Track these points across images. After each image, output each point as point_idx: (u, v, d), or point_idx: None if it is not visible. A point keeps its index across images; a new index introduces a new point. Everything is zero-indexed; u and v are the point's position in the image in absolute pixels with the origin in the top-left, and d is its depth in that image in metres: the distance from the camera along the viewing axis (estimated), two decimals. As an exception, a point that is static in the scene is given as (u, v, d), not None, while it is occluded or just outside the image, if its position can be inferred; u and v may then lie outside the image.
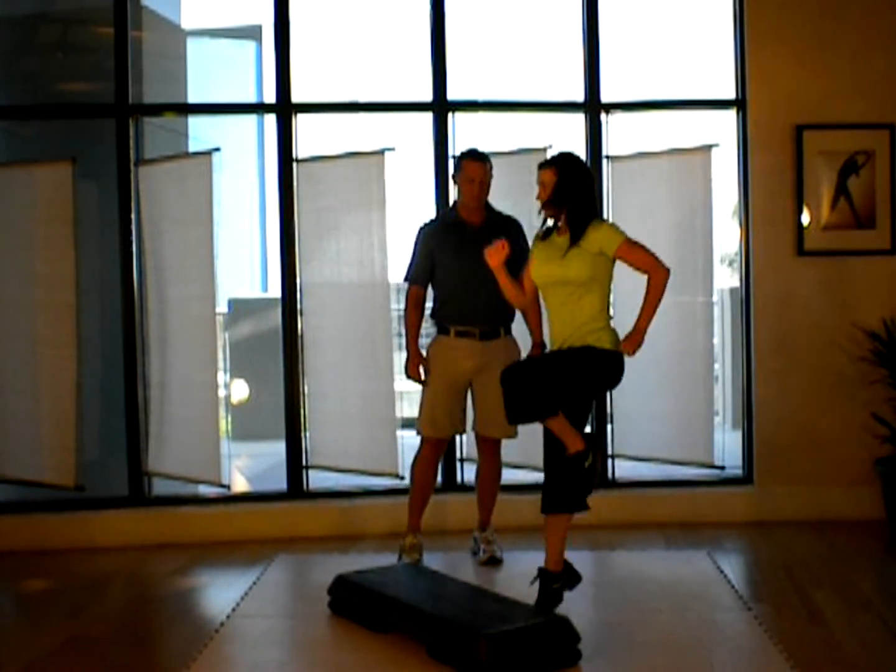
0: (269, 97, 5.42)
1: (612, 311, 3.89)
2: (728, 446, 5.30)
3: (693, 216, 5.18)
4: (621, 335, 3.71)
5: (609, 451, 5.32)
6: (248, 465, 6.99)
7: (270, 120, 5.37)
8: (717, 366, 6.73)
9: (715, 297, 5.56)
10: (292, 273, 5.27)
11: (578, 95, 5.34)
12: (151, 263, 5.27)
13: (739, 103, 5.30)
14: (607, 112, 5.30)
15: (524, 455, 5.12)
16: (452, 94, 5.28)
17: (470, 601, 3.63)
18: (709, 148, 5.15)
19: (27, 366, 5.12)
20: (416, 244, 4.53)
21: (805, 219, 5.22)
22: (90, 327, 5.34)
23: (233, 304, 8.77)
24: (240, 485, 6.23)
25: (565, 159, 3.80)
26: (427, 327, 4.63)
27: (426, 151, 5.29)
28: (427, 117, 5.30)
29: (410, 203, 5.71)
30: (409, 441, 5.29)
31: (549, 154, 5.12)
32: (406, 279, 4.55)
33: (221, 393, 5.92)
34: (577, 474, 3.62)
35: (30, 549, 4.99)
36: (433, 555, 4.55)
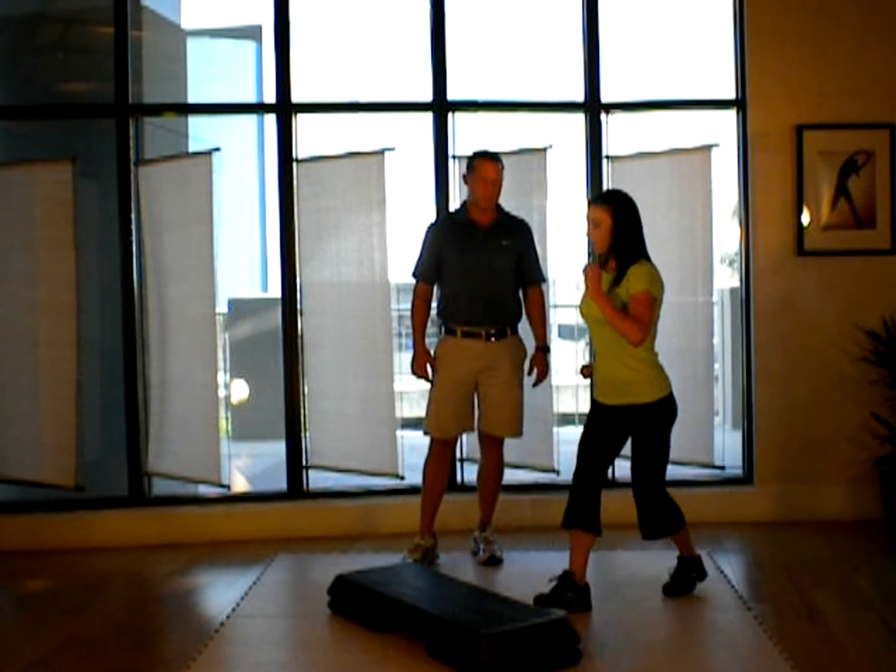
0: (269, 97, 5.42)
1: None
2: (728, 446, 5.30)
3: (693, 216, 5.18)
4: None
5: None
6: (248, 465, 6.99)
7: (270, 120, 5.37)
8: (717, 366, 6.73)
9: (715, 297, 5.57)
10: (292, 273, 5.27)
11: (578, 95, 5.33)
12: (151, 263, 5.27)
13: (739, 103, 5.30)
14: (607, 112, 5.30)
15: (524, 455, 5.12)
16: (452, 94, 5.28)
17: (470, 601, 3.63)
18: (709, 148, 5.15)
19: (27, 366, 5.12)
20: (424, 241, 4.52)
21: (805, 219, 5.21)
22: (90, 327, 5.33)
23: (233, 304, 8.77)
24: (240, 485, 6.23)
25: (620, 201, 3.87)
26: (430, 328, 4.63)
27: (426, 151, 5.29)
28: (427, 117, 5.30)
29: (410, 203, 5.71)
30: (410, 441, 5.30)
31: (549, 154, 5.14)
32: (413, 275, 4.55)
33: (221, 393, 5.92)
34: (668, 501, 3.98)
35: (30, 549, 4.98)
36: (433, 555, 4.55)
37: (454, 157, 5.24)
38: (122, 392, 5.27)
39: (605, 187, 5.27)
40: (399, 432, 5.22)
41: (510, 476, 4.88)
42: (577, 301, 4.00)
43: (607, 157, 5.31)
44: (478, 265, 4.37)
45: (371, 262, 5.17)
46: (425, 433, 4.52)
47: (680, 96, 5.51)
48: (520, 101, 5.48)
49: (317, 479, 5.34)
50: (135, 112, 5.29)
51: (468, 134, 5.35)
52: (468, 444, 5.15)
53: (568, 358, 8.45)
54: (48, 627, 3.90)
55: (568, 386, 7.75)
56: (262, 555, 4.77)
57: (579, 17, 5.29)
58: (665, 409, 3.88)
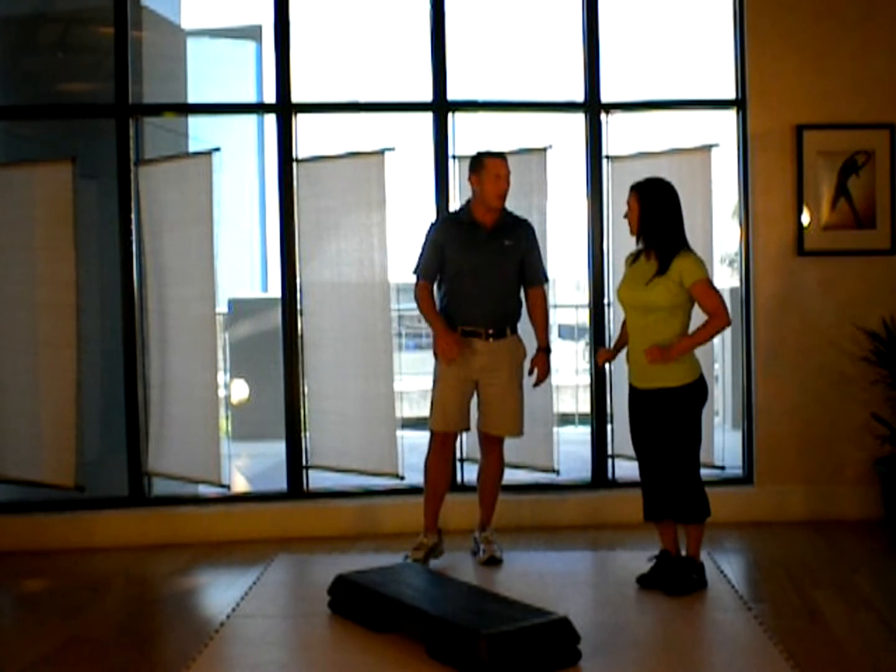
0: (269, 97, 5.42)
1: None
2: (728, 446, 5.31)
3: (693, 216, 5.16)
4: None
5: (609, 451, 5.31)
6: (248, 465, 6.99)
7: (270, 120, 5.37)
8: (717, 366, 6.73)
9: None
10: (292, 273, 5.27)
11: (578, 95, 5.33)
12: (151, 263, 5.27)
13: (739, 103, 5.30)
14: (607, 112, 5.29)
15: (524, 455, 5.12)
16: (452, 94, 5.27)
17: (470, 601, 3.63)
18: (709, 148, 5.15)
19: (27, 366, 5.12)
20: (426, 239, 4.52)
21: (805, 219, 5.21)
22: (90, 327, 5.33)
23: (233, 304, 8.77)
24: (240, 485, 6.23)
25: (649, 187, 4.00)
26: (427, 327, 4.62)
27: (426, 151, 5.29)
28: (427, 117, 5.29)
29: (410, 203, 5.71)
30: (410, 441, 5.30)
31: (549, 154, 5.14)
32: (414, 273, 4.55)
33: (221, 393, 5.92)
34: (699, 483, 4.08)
35: (30, 549, 4.98)
36: (433, 555, 4.55)
37: (454, 157, 5.24)
38: (122, 392, 5.26)
39: (604, 187, 5.28)
40: (399, 432, 5.22)
41: (510, 476, 4.88)
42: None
43: (607, 157, 5.30)
44: (480, 265, 4.37)
45: (371, 263, 5.17)
46: (430, 430, 4.51)
47: (680, 96, 5.51)
48: (520, 101, 5.48)
49: (317, 479, 5.34)
50: (135, 112, 5.29)
51: (468, 134, 5.35)
52: (468, 444, 5.15)
53: (568, 358, 8.46)
54: (48, 627, 3.89)
55: (568, 386, 7.77)
56: (262, 555, 4.77)
57: (579, 17, 5.29)
58: (695, 393, 3.99)
